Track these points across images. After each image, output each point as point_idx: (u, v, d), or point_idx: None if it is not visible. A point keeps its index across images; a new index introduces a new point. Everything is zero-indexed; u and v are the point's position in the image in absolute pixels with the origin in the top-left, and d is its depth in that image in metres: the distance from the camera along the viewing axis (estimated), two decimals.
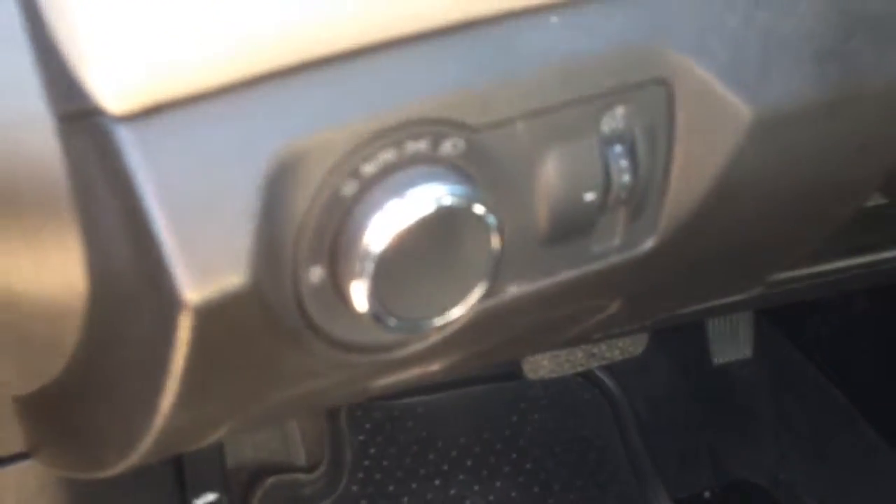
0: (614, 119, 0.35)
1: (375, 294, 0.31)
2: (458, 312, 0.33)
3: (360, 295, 0.31)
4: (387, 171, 0.31)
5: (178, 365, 0.29)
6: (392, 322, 0.32)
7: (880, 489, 1.05)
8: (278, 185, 0.29)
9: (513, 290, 0.36)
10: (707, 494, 1.16)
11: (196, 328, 0.28)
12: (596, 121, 0.34)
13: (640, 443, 1.15)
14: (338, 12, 0.29)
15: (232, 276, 0.28)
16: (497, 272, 0.34)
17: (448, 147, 0.32)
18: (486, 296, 0.35)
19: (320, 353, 0.33)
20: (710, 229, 0.39)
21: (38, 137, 0.29)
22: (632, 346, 1.12)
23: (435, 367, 0.40)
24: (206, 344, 0.29)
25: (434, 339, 0.35)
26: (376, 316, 0.32)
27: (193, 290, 0.28)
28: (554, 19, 0.33)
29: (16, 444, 0.54)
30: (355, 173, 0.31)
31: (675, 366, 1.20)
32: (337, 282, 0.32)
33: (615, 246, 0.37)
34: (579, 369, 1.13)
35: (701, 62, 0.34)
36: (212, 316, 0.28)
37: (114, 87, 0.27)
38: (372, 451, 1.09)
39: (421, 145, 0.31)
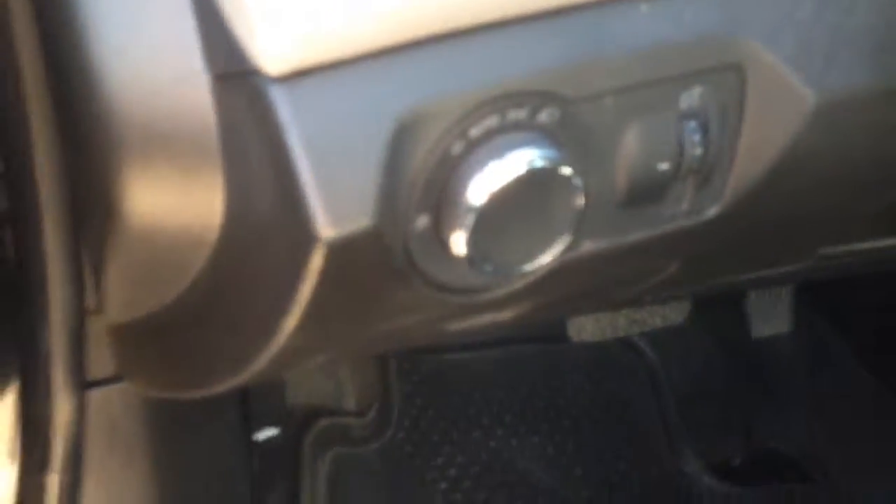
0: (691, 97, 0.39)
1: (474, 242, 0.36)
2: (544, 261, 0.38)
3: (460, 242, 0.36)
4: (490, 134, 0.35)
5: (306, 291, 0.34)
6: (487, 267, 0.37)
7: None
8: (400, 142, 0.34)
9: (589, 245, 0.40)
10: (737, 462, 1.20)
11: (327, 260, 0.33)
12: (675, 98, 0.38)
13: (674, 409, 1.19)
14: None
15: (360, 218, 0.33)
16: (579, 228, 0.38)
17: (544, 116, 0.36)
18: (567, 249, 0.39)
19: (419, 290, 0.37)
20: (770, 200, 0.43)
21: (196, 92, 0.34)
22: (673, 314, 1.15)
23: (510, 313, 0.45)
24: (331, 275, 0.34)
25: (518, 284, 0.39)
26: (473, 261, 0.36)
27: (329, 227, 0.32)
28: (644, 7, 0.37)
29: (104, 368, 0.59)
30: (463, 135, 0.35)
31: (714, 337, 1.23)
32: (440, 229, 0.36)
33: (683, 211, 0.41)
34: (621, 334, 1.17)
35: (771, 51, 0.38)
36: (340, 251, 0.33)
37: (273, 53, 0.31)
38: (418, 401, 1.14)
39: (521, 113, 0.36)
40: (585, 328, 1.13)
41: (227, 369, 0.43)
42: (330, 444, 1.05)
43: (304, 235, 0.33)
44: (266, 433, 0.92)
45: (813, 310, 1.18)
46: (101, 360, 0.57)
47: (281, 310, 0.36)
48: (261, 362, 0.39)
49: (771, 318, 1.21)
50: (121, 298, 0.48)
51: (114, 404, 0.73)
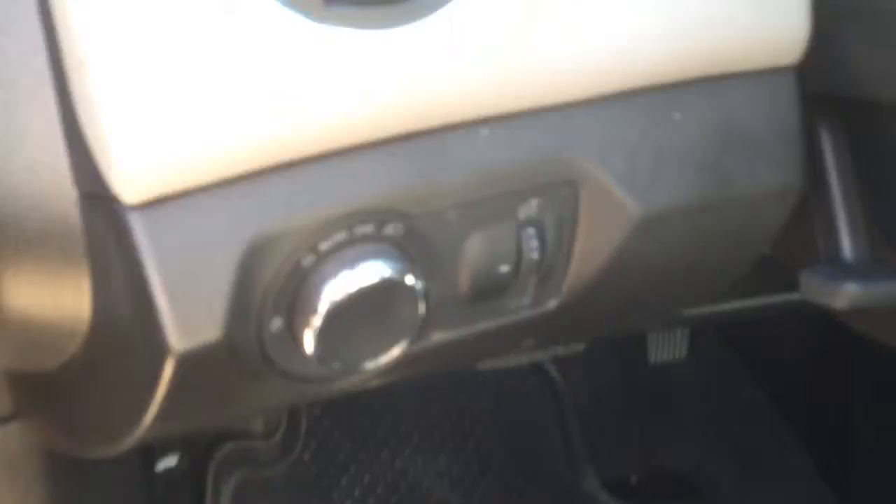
0: (529, 208, 0.42)
1: (322, 342, 0.39)
2: (385, 359, 0.41)
3: (309, 342, 0.39)
4: (339, 247, 0.39)
5: (160, 393, 0.37)
6: (333, 363, 0.40)
7: (792, 486, 1.14)
8: (252, 259, 0.37)
9: (437, 336, 0.44)
10: (634, 480, 1.24)
11: (177, 369, 0.36)
12: (513, 209, 0.42)
13: (576, 429, 1.23)
14: (305, 127, 0.37)
15: (209, 332, 0.36)
16: (422, 329, 0.42)
17: (390, 230, 0.40)
18: (414, 342, 0.43)
19: (275, 383, 0.41)
20: (606, 292, 0.47)
21: (65, 208, 0.36)
22: (574, 343, 1.19)
23: (372, 384, 0.48)
24: (183, 380, 0.37)
25: (368, 373, 0.43)
26: (321, 358, 0.40)
27: (179, 341, 0.36)
28: (484, 131, 0.40)
29: (3, 407, 0.61)
30: (313, 249, 0.38)
31: (615, 360, 1.27)
32: (293, 330, 0.39)
33: (525, 304, 0.45)
34: (524, 362, 1.21)
35: (601, 169, 0.42)
36: (191, 360, 0.36)
37: (130, 183, 0.34)
38: (325, 422, 1.16)
39: (368, 228, 0.39)
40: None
41: (98, 444, 0.45)
42: (235, 467, 1.05)
43: (156, 346, 0.36)
44: (168, 462, 0.94)
45: (709, 336, 1.23)
46: (1, 399, 0.59)
47: (140, 405, 0.39)
48: (128, 443, 0.42)
49: (668, 345, 1.26)
50: (7, 357, 0.50)
51: (13, 440, 0.74)
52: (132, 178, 0.34)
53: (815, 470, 1.14)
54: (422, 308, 0.41)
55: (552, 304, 0.46)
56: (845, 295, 0.45)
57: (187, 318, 0.36)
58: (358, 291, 0.39)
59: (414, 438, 1.18)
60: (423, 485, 1.16)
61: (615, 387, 1.27)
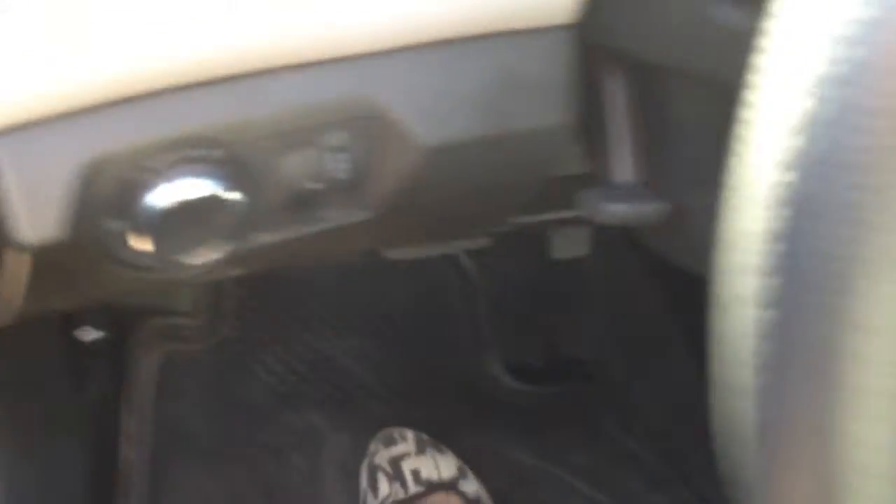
0: (334, 137, 0.52)
1: (152, 243, 0.49)
2: (212, 256, 0.51)
3: (142, 242, 0.49)
4: (166, 166, 0.48)
5: (24, 279, 0.47)
6: (161, 258, 0.50)
7: (674, 379, 1.24)
8: (91, 175, 0.46)
9: (260, 238, 0.54)
10: (536, 365, 1.34)
11: (35, 260, 0.46)
12: (321, 137, 0.52)
13: (484, 317, 1.29)
14: (141, 67, 0.46)
15: (57, 231, 0.46)
16: (243, 233, 0.52)
17: (211, 153, 0.49)
18: (237, 243, 0.52)
19: (118, 272, 0.51)
20: (410, 209, 0.56)
21: None
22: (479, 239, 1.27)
23: (217, 274, 0.58)
24: (39, 267, 0.47)
25: (198, 268, 0.53)
26: (152, 255, 0.50)
27: (31, 238, 0.46)
28: (293, 74, 0.49)
29: None
30: (144, 168, 0.48)
31: (524, 255, 1.35)
32: (128, 232, 0.49)
33: (337, 215, 0.55)
34: (433, 255, 1.29)
35: (395, 108, 0.51)
36: (44, 253, 0.46)
37: None
38: (251, 304, 1.21)
39: (192, 152, 0.48)
40: (398, 250, 1.25)
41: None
42: (160, 342, 1.13)
43: (17, 242, 0.46)
44: (90, 335, 1.02)
45: (610, 233, 1.31)
46: None
47: (11, 287, 0.49)
48: (13, 314, 0.52)
49: (571, 242, 1.34)
50: None
51: None
52: None
53: (697, 365, 1.23)
54: (240, 217, 0.50)
55: (361, 215, 0.55)
56: (605, 211, 0.55)
57: (38, 221, 0.46)
58: (182, 203, 0.48)
59: (334, 322, 1.24)
60: (341, 364, 1.22)
61: (523, 280, 1.35)
